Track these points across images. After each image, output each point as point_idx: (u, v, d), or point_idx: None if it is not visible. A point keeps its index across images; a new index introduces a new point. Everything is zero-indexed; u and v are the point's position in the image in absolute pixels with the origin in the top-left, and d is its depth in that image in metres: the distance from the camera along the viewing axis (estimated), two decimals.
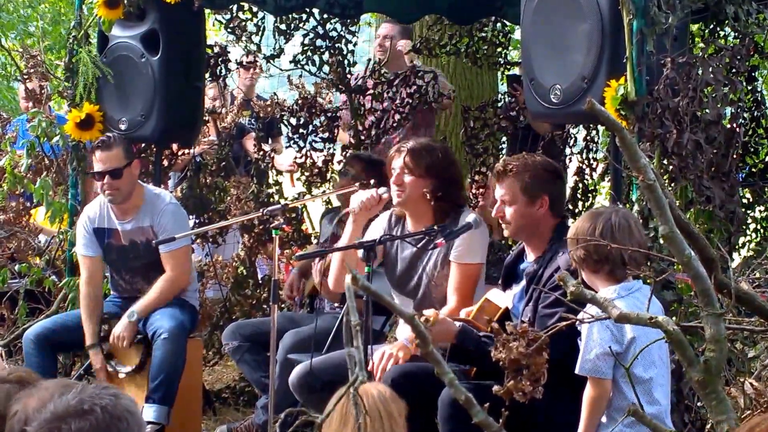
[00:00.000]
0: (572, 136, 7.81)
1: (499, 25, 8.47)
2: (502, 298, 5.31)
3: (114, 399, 2.79)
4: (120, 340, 6.64)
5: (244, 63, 8.60)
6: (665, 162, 5.29)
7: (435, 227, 5.73)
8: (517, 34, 8.14)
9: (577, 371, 4.54)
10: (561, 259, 4.98)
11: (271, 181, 8.51)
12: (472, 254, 5.76)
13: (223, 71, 8.12)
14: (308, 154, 8.31)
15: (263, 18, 8.12)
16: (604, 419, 4.59)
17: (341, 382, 2.90)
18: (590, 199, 7.62)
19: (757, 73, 6.36)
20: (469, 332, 5.05)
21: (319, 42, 8.27)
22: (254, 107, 9.30)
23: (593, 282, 4.64)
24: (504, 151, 8.56)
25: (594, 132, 7.63)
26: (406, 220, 5.98)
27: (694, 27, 6.18)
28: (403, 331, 5.64)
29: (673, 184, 5.30)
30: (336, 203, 7.62)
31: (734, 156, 5.50)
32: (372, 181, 6.70)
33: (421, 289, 5.88)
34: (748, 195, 6.23)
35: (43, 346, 6.65)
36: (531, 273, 5.18)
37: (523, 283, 5.22)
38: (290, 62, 8.32)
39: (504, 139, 8.54)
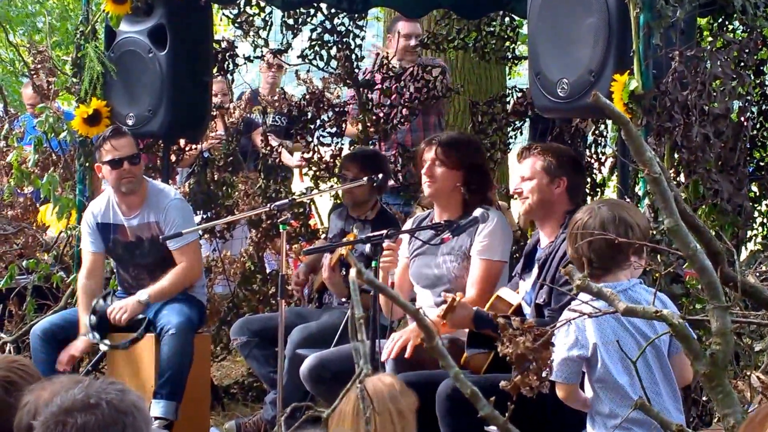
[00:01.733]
0: (581, 130, 7.78)
1: (507, 19, 8.45)
2: (513, 296, 5.34)
3: (121, 394, 2.80)
4: (119, 312, 6.58)
5: (269, 61, 8.62)
6: (675, 156, 5.28)
7: (443, 222, 5.75)
8: (525, 29, 8.12)
9: None
10: None
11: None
12: (492, 251, 5.78)
13: (231, 66, 8.12)
14: (316, 149, 8.31)
15: (271, 13, 8.12)
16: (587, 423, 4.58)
17: (352, 373, 2.90)
18: (599, 193, 7.59)
19: (765, 67, 6.31)
20: (484, 315, 5.12)
21: (326, 37, 8.26)
22: (261, 102, 9.29)
23: None
24: (525, 138, 8.55)
25: (603, 126, 7.62)
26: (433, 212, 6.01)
27: (702, 21, 6.15)
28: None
29: (681, 177, 5.29)
30: None
31: (742, 150, 5.49)
32: (380, 175, 6.71)
33: (440, 281, 5.89)
34: (755, 189, 6.20)
35: (50, 342, 6.65)
36: (542, 258, 5.25)
37: (536, 270, 5.25)
38: (298, 57, 8.32)
39: (511, 134, 8.52)
